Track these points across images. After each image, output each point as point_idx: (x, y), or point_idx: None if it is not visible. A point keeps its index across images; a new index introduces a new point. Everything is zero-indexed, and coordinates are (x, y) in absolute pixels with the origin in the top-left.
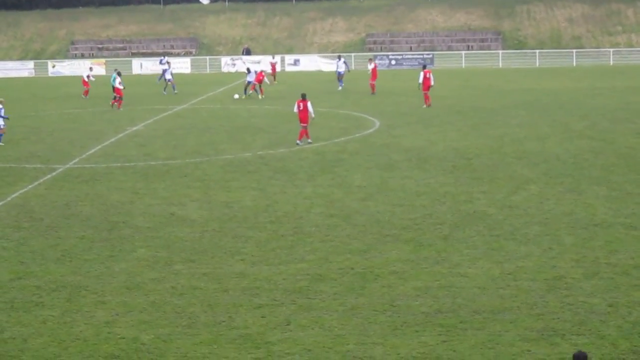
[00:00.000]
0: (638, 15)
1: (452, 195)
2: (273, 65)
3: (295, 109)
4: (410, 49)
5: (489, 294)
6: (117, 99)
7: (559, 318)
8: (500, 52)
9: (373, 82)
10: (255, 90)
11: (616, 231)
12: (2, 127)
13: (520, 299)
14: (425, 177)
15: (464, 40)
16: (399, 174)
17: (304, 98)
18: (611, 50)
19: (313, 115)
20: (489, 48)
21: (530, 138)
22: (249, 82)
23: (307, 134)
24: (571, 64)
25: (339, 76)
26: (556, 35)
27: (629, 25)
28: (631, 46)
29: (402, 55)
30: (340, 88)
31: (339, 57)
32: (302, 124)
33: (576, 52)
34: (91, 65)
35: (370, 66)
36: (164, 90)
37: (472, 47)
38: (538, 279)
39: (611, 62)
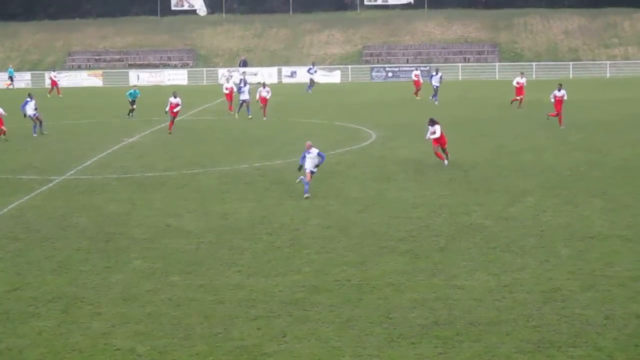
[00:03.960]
0: (634, 27)
1: (448, 207)
2: (417, 77)
3: (438, 134)
4: (407, 61)
5: (486, 305)
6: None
7: (555, 330)
8: (497, 64)
9: (519, 97)
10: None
11: (612, 243)
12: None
13: (517, 311)
14: (422, 188)
15: (460, 52)
16: (395, 186)
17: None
18: (608, 62)
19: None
20: (485, 60)
21: (526, 150)
22: (244, 101)
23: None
24: (568, 76)
25: (436, 90)
26: (553, 47)
27: (625, 38)
28: (627, 58)
29: (398, 67)
30: (437, 102)
31: (436, 71)
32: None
33: (573, 64)
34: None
35: (521, 80)
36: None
37: (468, 59)
38: (534, 291)
39: (607, 75)
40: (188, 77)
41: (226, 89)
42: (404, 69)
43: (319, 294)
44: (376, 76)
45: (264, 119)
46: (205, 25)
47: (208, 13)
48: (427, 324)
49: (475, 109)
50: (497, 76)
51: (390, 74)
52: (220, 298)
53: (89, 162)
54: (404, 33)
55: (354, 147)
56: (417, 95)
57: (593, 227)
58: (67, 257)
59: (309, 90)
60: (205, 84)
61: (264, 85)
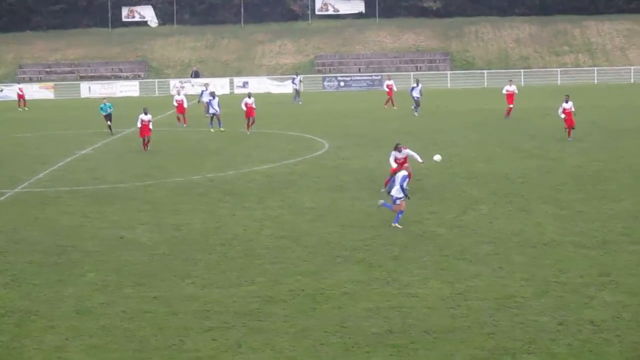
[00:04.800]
0: (584, 35)
1: (402, 216)
2: (390, 87)
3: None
4: (359, 70)
5: (440, 313)
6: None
7: (509, 337)
8: (449, 72)
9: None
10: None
11: (565, 250)
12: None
13: (471, 319)
14: (375, 198)
15: (412, 61)
16: (349, 195)
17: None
18: (559, 70)
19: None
20: (437, 69)
21: (479, 158)
22: (214, 114)
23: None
24: (519, 84)
25: (416, 102)
26: (504, 55)
27: (575, 45)
28: (578, 66)
29: (350, 76)
30: (416, 114)
31: (417, 82)
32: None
33: (524, 72)
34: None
35: (510, 87)
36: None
37: (420, 67)
38: (488, 298)
39: (559, 82)
40: (140, 88)
41: (176, 101)
42: (355, 78)
43: (274, 305)
44: (328, 86)
45: (248, 132)
46: (156, 36)
47: (159, 24)
48: (382, 332)
49: (428, 117)
50: (449, 84)
51: (342, 84)
52: (174, 310)
53: (41, 175)
54: (356, 42)
55: (307, 157)
56: (393, 104)
57: (546, 234)
58: (19, 271)
59: (299, 101)
60: (157, 95)
61: (249, 95)
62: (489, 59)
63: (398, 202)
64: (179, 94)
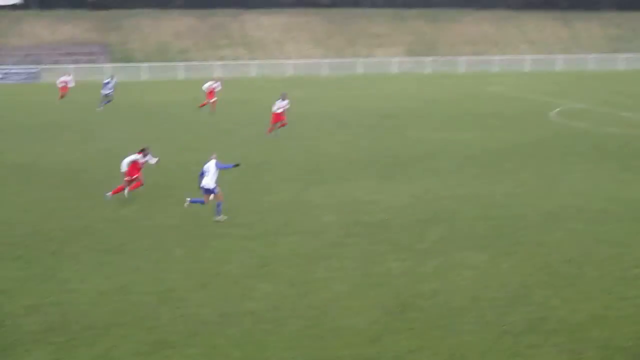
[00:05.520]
0: (242, 28)
1: (60, 211)
2: (64, 83)
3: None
4: (16, 63)
5: (100, 309)
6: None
7: (171, 330)
8: (108, 65)
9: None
10: None
11: (226, 242)
12: None
13: (132, 313)
14: (33, 192)
15: (70, 54)
16: (6, 190)
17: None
18: (218, 63)
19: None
20: (96, 62)
21: (134, 151)
22: None
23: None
24: (178, 77)
25: (106, 97)
26: (163, 48)
27: (234, 38)
28: (237, 59)
29: (6, 69)
30: (100, 109)
31: (112, 77)
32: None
33: (184, 65)
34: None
35: (215, 84)
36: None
37: (79, 60)
38: (149, 292)
39: (219, 75)
40: None
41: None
42: (12, 71)
43: None
44: None
45: None
46: None
47: None
48: (42, 330)
49: (81, 110)
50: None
51: None
52: None
53: None
54: (12, 34)
55: None
56: (59, 98)
57: (206, 227)
58: None
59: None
60: None
61: None
62: (148, 51)
63: (217, 191)
64: None
